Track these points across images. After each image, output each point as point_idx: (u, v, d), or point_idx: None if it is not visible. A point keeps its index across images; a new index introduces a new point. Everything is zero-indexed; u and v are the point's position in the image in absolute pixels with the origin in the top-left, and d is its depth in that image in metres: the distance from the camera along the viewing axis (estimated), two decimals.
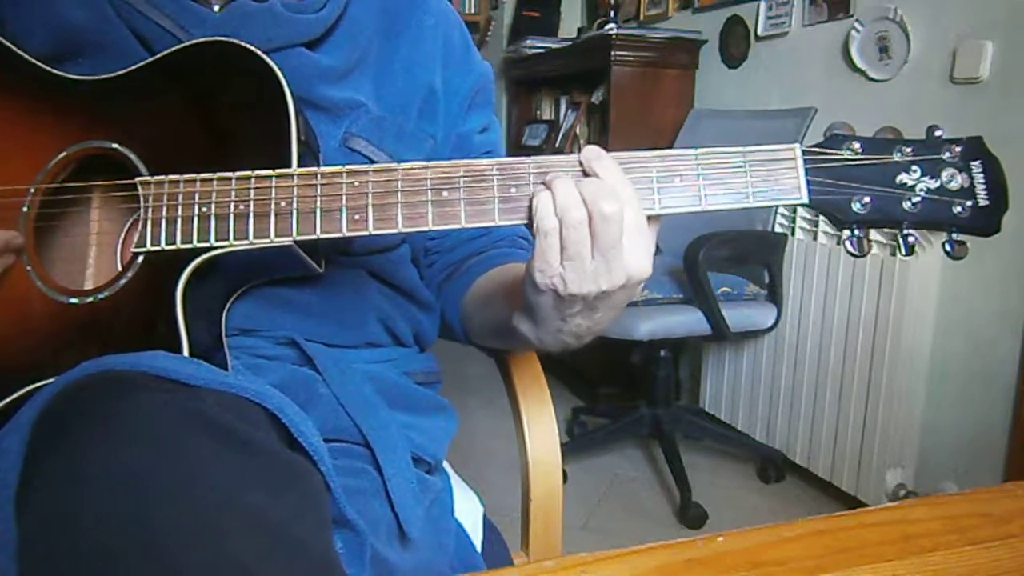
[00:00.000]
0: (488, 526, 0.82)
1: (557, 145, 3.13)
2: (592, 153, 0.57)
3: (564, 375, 2.92)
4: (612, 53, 2.54)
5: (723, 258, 2.03)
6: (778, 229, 2.12)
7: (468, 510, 0.81)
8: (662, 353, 2.23)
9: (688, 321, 1.98)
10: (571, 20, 3.53)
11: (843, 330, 1.96)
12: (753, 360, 2.27)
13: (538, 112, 3.49)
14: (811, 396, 2.07)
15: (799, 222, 2.09)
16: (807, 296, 2.06)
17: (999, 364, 1.75)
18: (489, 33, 3.74)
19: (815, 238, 2.04)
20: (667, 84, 2.62)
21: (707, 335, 2.02)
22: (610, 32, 2.56)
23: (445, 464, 0.84)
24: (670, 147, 2.79)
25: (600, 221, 0.54)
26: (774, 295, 2.08)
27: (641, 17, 2.97)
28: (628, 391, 2.68)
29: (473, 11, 3.84)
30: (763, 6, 2.37)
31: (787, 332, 2.12)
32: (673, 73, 2.63)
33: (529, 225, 0.57)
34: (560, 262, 0.55)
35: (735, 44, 2.51)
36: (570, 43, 3.00)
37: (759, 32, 2.40)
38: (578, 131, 3.04)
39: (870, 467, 1.91)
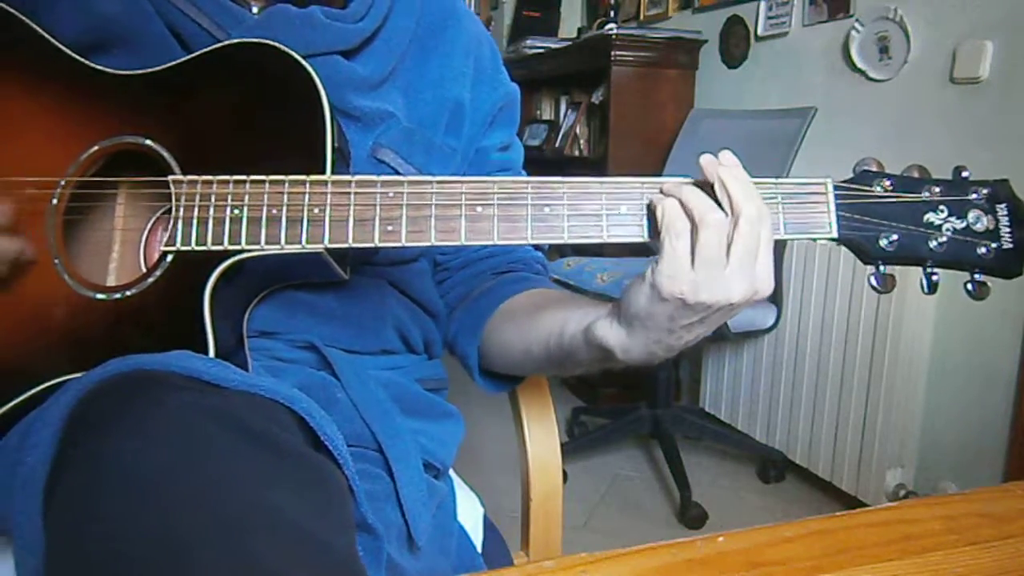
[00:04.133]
0: (488, 526, 0.82)
1: (557, 145, 3.13)
2: (730, 160, 0.57)
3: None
4: (612, 53, 2.54)
5: None
6: None
7: (469, 511, 0.81)
8: None
9: None
10: (571, 20, 3.53)
11: (843, 330, 1.96)
12: (753, 360, 2.27)
13: (538, 112, 3.49)
14: (811, 396, 2.07)
15: None
16: (807, 296, 2.06)
17: (999, 364, 1.75)
18: (489, 33, 3.74)
19: (815, 239, 2.03)
20: (667, 84, 2.62)
21: (707, 335, 2.02)
22: (610, 32, 2.55)
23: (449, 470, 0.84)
24: (669, 148, 2.76)
25: (745, 223, 0.54)
26: (774, 295, 2.08)
27: (641, 17, 2.97)
28: (628, 391, 2.68)
29: (473, 11, 3.84)
30: (763, 6, 2.37)
31: (787, 332, 2.12)
32: (673, 73, 2.63)
33: (654, 235, 0.57)
34: (692, 266, 0.54)
35: (735, 44, 2.51)
36: (570, 43, 3.00)
37: (759, 32, 2.40)
38: (578, 131, 3.04)
39: (870, 467, 1.91)
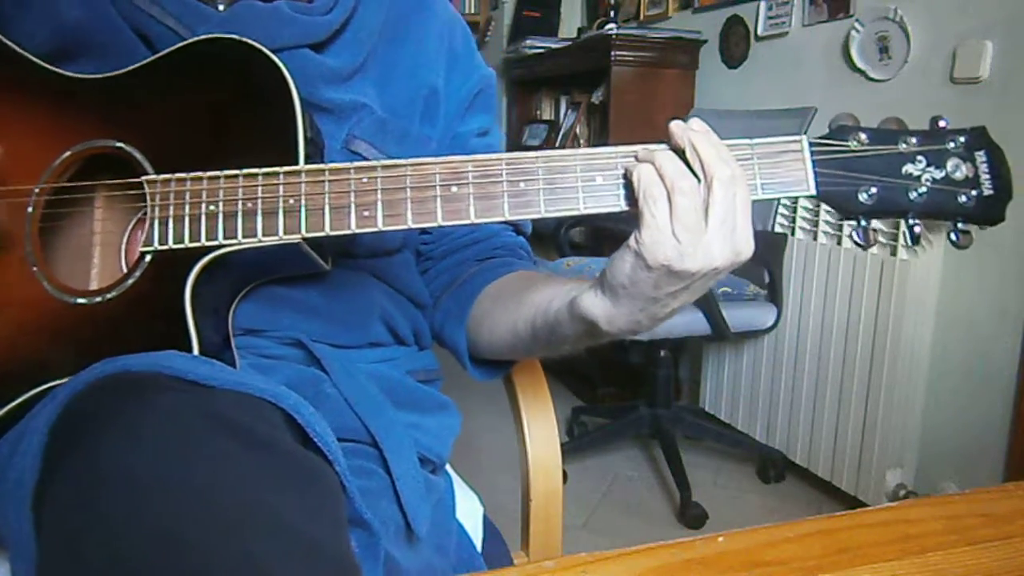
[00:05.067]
0: (488, 526, 0.82)
1: (557, 145, 3.13)
2: (700, 127, 0.56)
3: (564, 375, 2.92)
4: (612, 53, 2.54)
5: None
6: (778, 229, 2.12)
7: (469, 510, 0.81)
8: (662, 353, 2.23)
9: (688, 321, 1.98)
10: (571, 20, 3.52)
11: (843, 330, 1.96)
12: (753, 360, 2.27)
13: (538, 112, 3.49)
14: (811, 396, 2.07)
15: (799, 221, 2.09)
16: (807, 296, 2.06)
17: (999, 364, 1.75)
18: (489, 33, 3.74)
19: (815, 238, 2.04)
20: (667, 84, 2.62)
21: (707, 335, 2.02)
22: (610, 32, 2.56)
23: (446, 465, 0.84)
24: None
25: (719, 187, 0.53)
26: (774, 295, 2.08)
27: (641, 17, 2.97)
28: (628, 391, 2.68)
29: (473, 11, 3.83)
30: (763, 6, 2.36)
31: (787, 332, 2.12)
32: (673, 73, 2.63)
33: (632, 204, 0.56)
34: (672, 232, 0.54)
35: (735, 44, 2.51)
36: (570, 43, 3.00)
37: (759, 32, 2.40)
38: (578, 131, 3.04)
39: (870, 467, 1.91)
